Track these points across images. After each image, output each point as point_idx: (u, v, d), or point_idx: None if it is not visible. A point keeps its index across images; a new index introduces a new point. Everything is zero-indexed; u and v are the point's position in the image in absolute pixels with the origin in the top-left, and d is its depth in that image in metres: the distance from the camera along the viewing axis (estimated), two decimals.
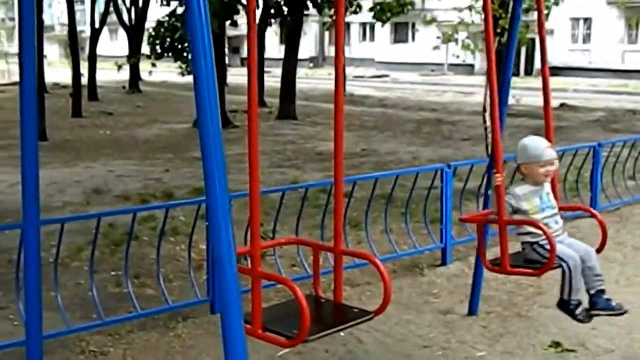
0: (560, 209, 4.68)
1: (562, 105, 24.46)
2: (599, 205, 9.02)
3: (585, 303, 4.55)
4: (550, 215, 4.49)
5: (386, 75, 43.81)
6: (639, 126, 19.00)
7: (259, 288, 3.62)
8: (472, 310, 5.83)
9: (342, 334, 5.09)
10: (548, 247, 4.31)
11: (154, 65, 20.01)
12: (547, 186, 4.57)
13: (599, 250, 4.68)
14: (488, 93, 16.53)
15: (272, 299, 5.66)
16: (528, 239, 4.51)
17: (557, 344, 5.30)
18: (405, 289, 6.48)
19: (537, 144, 4.49)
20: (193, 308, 5.88)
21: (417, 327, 5.65)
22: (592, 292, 4.51)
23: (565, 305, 4.55)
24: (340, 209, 4.10)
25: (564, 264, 4.38)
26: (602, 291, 4.52)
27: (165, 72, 37.35)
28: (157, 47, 19.65)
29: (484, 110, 16.37)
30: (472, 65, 39.85)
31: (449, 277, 6.79)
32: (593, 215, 4.91)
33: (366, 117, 21.67)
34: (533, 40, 40.84)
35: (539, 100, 24.37)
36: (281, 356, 5.03)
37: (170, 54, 19.54)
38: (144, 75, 34.45)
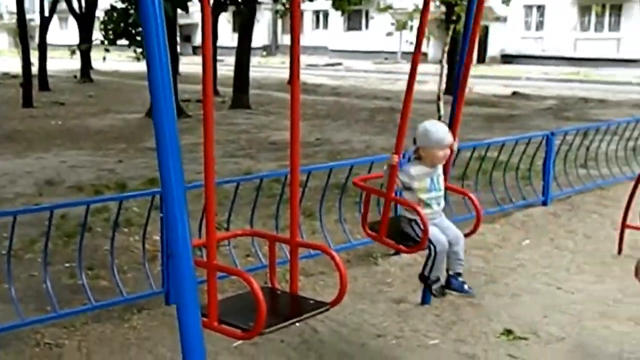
0: (447, 188, 5.01)
1: (514, 93, 24.79)
2: (551, 194, 9.20)
3: (443, 280, 4.87)
4: (435, 197, 4.77)
5: (339, 64, 43.90)
6: (590, 114, 19.34)
7: (215, 280, 3.64)
8: (425, 299, 5.92)
9: (297, 324, 5.13)
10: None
11: (107, 50, 19.75)
12: (440, 169, 4.81)
13: (470, 234, 5.04)
14: (443, 81, 16.68)
15: (227, 290, 5.68)
16: (408, 215, 4.78)
17: (509, 332, 5.41)
18: (359, 278, 6.55)
19: (438, 128, 4.71)
20: (148, 299, 5.87)
21: (371, 316, 5.73)
22: (451, 273, 4.85)
23: (425, 279, 4.89)
24: (296, 201, 4.12)
25: (432, 247, 4.69)
26: (460, 274, 4.87)
27: (117, 62, 36.96)
28: (110, 32, 19.43)
29: (438, 98, 16.53)
30: (425, 54, 40.11)
31: (402, 266, 6.87)
32: (470, 199, 5.09)
33: (320, 105, 21.70)
34: (486, 27, 41.33)
35: (491, 89, 24.84)
36: (237, 347, 5.07)
37: (124, 40, 19.34)
38: (95, 64, 34.02)
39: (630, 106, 20.31)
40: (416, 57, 4.56)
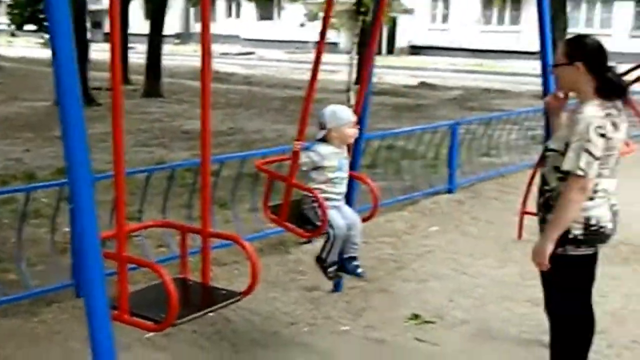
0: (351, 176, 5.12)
1: (422, 83, 25.17)
2: (456, 182, 9.39)
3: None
4: (341, 178, 4.90)
5: (252, 53, 43.67)
6: (492, 104, 19.82)
7: (125, 272, 3.57)
8: (336, 287, 5.96)
9: (210, 314, 5.09)
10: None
11: (13, 35, 19.07)
12: (346, 151, 4.95)
13: (367, 219, 5.14)
14: (353, 72, 16.77)
15: (139, 281, 5.56)
16: (310, 196, 4.84)
17: (416, 316, 5.51)
18: (272, 267, 6.54)
19: (343, 108, 4.91)
20: (58, 293, 5.71)
21: (283, 304, 5.73)
22: (346, 256, 4.96)
23: (321, 262, 4.98)
24: (207, 191, 4.08)
25: (330, 230, 4.77)
26: (354, 258, 4.98)
27: (25, 48, 35.73)
28: (17, 17, 18.78)
29: (348, 89, 16.61)
30: (336, 44, 40.31)
31: (314, 254, 6.79)
32: (367, 184, 5.21)
33: (232, 94, 21.54)
34: (394, 19, 41.76)
35: (399, 79, 25.11)
36: (149, 338, 4.99)
37: (32, 25, 18.72)
38: (1, 50, 32.80)
39: (529, 97, 20.89)
40: (320, 46, 4.70)
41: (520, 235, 7.42)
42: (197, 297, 4.10)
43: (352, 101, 15.10)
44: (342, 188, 4.94)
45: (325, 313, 5.58)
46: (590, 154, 3.63)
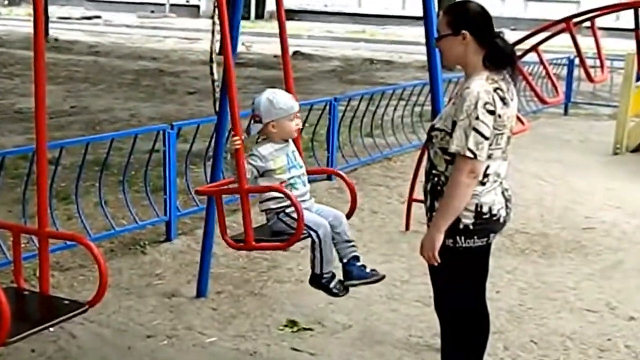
0: (311, 172, 4.89)
1: (295, 53, 25.28)
2: (336, 166, 9.48)
3: (340, 274, 4.74)
4: (298, 176, 4.63)
5: (98, 17, 42.59)
6: (376, 77, 20.17)
7: None
8: (200, 291, 5.94)
9: (51, 329, 4.98)
10: (295, 215, 4.39)
11: None
12: (292, 144, 4.71)
13: (348, 216, 4.91)
14: (216, 40, 16.61)
15: None
16: (271, 205, 4.59)
17: (293, 323, 5.57)
18: (125, 270, 6.46)
19: (283, 97, 4.62)
20: None
21: (138, 314, 5.68)
22: (345, 260, 4.69)
23: (318, 280, 4.71)
24: (44, 183, 3.98)
25: (313, 233, 4.53)
26: (356, 258, 4.71)
27: None
28: None
29: (211, 60, 16.52)
30: (197, 7, 39.93)
31: (174, 254, 6.86)
32: (342, 179, 5.22)
33: (75, 67, 20.96)
34: None
35: (271, 48, 25.06)
36: None
37: None
38: None
39: (417, 68, 21.35)
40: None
41: (407, 226, 7.67)
42: (35, 309, 4.01)
43: (217, 75, 15.04)
44: (305, 187, 4.66)
45: (188, 322, 5.56)
46: (480, 133, 3.75)
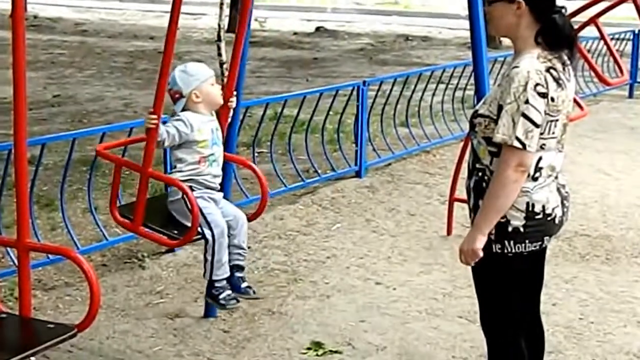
0: (228, 159, 5.22)
1: (318, 29, 25.31)
2: (366, 162, 9.53)
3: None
4: (218, 155, 4.96)
5: None
6: (411, 56, 20.17)
7: None
8: (209, 311, 5.98)
9: (33, 358, 5.04)
10: (202, 202, 4.71)
11: None
12: (216, 120, 5.02)
13: (254, 217, 5.24)
14: (225, 15, 16.65)
15: None
16: (180, 176, 4.83)
17: (318, 345, 5.60)
18: (120, 288, 6.51)
19: (194, 65, 5.04)
20: None
21: (137, 339, 5.71)
22: (230, 264, 4.96)
23: (209, 289, 4.94)
24: (23, 187, 4.02)
25: (207, 232, 4.77)
26: (239, 267, 5.01)
27: None
28: None
29: (219, 38, 16.55)
30: None
31: (178, 268, 6.91)
32: (253, 172, 5.34)
33: (58, 49, 21.09)
34: None
35: (289, 24, 25.04)
36: None
37: None
38: None
39: (458, 46, 21.30)
40: None
41: (449, 230, 7.69)
42: (14, 334, 4.05)
43: (225, 56, 15.10)
44: (219, 170, 4.98)
45: (195, 347, 5.61)
46: (529, 119, 3.77)
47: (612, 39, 13.69)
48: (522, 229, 3.92)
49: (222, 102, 5.03)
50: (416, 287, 6.52)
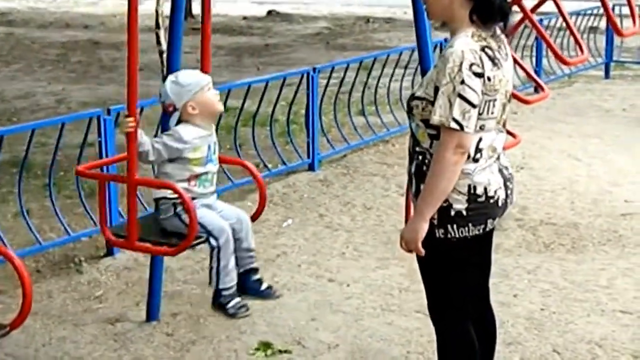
0: (220, 160, 5.30)
1: (270, 12, 25.40)
2: (319, 154, 9.81)
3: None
4: (212, 174, 5.08)
5: None
6: (373, 40, 20.32)
7: None
8: (151, 315, 6.19)
9: None
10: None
11: None
12: (214, 134, 5.13)
13: (256, 217, 5.38)
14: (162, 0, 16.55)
15: None
16: (170, 195, 4.95)
17: (266, 346, 5.84)
18: (56, 294, 6.68)
19: (186, 73, 5.03)
20: None
21: (75, 346, 5.89)
22: (241, 270, 5.17)
23: (216, 298, 5.15)
24: None
25: (212, 240, 4.95)
26: (254, 270, 5.23)
27: None
28: None
29: (157, 26, 16.64)
30: None
31: (117, 271, 7.10)
32: (250, 172, 5.55)
33: None
34: None
35: (239, 7, 24.93)
36: None
37: None
38: None
39: None
40: None
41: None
42: None
43: (164, 45, 15.22)
44: (212, 186, 5.09)
45: (137, 353, 5.82)
46: (466, 100, 4.00)
47: (586, 15, 14.07)
48: (464, 212, 4.13)
49: (222, 109, 5.11)
50: (371, 283, 6.78)
